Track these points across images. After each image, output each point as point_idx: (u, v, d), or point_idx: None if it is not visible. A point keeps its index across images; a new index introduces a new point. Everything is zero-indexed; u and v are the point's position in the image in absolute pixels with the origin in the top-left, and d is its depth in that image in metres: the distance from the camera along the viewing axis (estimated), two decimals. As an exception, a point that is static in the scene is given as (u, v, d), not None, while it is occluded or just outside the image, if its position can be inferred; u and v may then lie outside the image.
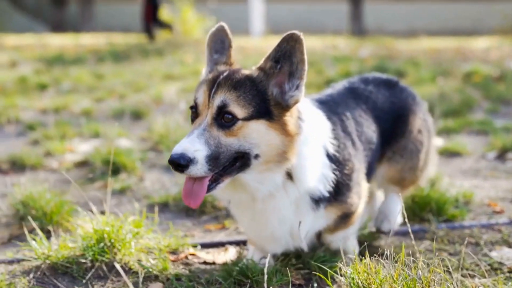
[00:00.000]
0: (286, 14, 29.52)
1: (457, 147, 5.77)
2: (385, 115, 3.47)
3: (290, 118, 2.68)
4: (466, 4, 28.97)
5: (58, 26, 30.11)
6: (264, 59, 2.69)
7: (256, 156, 2.62)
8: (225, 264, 3.14)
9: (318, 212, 2.90)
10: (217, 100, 2.60)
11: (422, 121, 3.64)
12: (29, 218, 3.45)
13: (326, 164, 2.87)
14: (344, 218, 3.05)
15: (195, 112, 2.69)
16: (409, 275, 2.36)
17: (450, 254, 3.25)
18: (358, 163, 3.08)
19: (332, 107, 3.17)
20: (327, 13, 29.62)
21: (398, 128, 3.50)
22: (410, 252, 2.68)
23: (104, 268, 3.02)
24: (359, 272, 2.47)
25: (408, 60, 12.64)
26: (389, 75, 10.03)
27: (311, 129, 2.82)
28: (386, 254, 2.54)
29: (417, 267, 2.43)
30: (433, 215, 3.73)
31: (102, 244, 3.03)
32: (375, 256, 2.53)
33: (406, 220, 2.83)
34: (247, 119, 2.59)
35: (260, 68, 2.70)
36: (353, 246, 3.23)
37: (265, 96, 2.65)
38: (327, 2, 30.05)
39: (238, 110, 2.58)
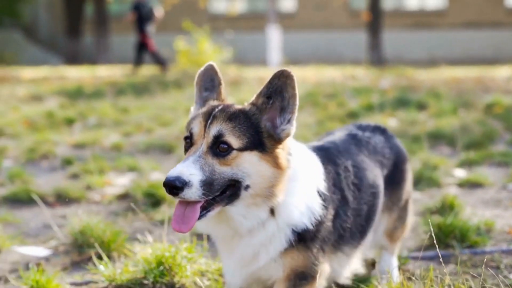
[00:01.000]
0: (303, 44, 30.24)
1: (478, 178, 6.25)
2: (386, 160, 3.64)
3: (282, 151, 2.85)
4: (487, 32, 29.50)
5: (73, 58, 31.05)
6: (256, 95, 2.89)
7: (247, 187, 2.77)
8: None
9: (286, 252, 2.92)
10: (213, 130, 2.77)
11: (411, 171, 3.86)
12: (93, 244, 3.99)
13: (315, 199, 2.98)
14: (298, 280, 2.98)
15: (189, 142, 2.86)
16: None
17: (473, 276, 3.72)
18: (340, 220, 3.14)
19: (329, 154, 3.29)
20: (344, 42, 30.29)
21: (396, 175, 3.68)
22: (438, 274, 3.16)
23: (164, 288, 3.55)
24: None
25: (429, 91, 13.18)
26: (411, 107, 10.54)
27: (302, 167, 2.97)
28: (416, 275, 3.04)
29: (443, 285, 2.92)
30: (457, 242, 4.22)
31: (161, 268, 3.56)
32: (407, 276, 3.03)
33: (436, 243, 3.32)
34: (242, 149, 2.76)
35: (253, 104, 2.89)
36: None
37: (258, 129, 2.83)
38: (344, 31, 30.74)
39: (234, 140, 2.75)
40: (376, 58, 24.74)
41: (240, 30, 31.44)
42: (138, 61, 22.64)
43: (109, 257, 4.03)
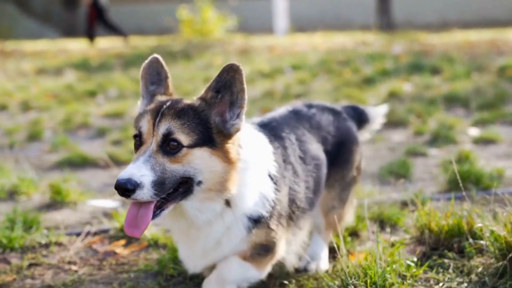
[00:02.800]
0: (310, 9, 30.80)
1: (491, 135, 7.25)
2: (330, 138, 3.82)
3: (232, 146, 3.01)
4: (500, -8, 29.94)
5: (70, 31, 31.70)
6: (205, 90, 3.01)
7: (199, 183, 2.93)
8: None
9: (248, 235, 3.17)
10: (162, 128, 2.89)
11: (360, 156, 4.01)
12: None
13: (267, 184, 3.20)
14: (262, 252, 3.27)
15: (139, 140, 2.98)
16: (458, 214, 3.86)
17: (486, 211, 4.74)
18: (294, 194, 3.38)
19: (274, 130, 3.51)
20: (353, 6, 30.80)
21: (341, 155, 3.86)
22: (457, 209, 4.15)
23: None
24: (422, 216, 3.96)
25: (442, 56, 14.10)
26: (425, 72, 11.50)
27: (252, 155, 3.14)
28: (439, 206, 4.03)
29: (463, 210, 3.92)
30: (473, 185, 5.21)
31: None
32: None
33: (462, 185, 4.29)
34: (192, 146, 2.89)
35: (202, 98, 3.02)
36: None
37: (207, 125, 2.96)
38: (352, -6, 31.21)
39: (183, 138, 2.88)
40: (386, 22, 25.08)
41: (243, -4, 31.99)
42: (117, 31, 23.75)
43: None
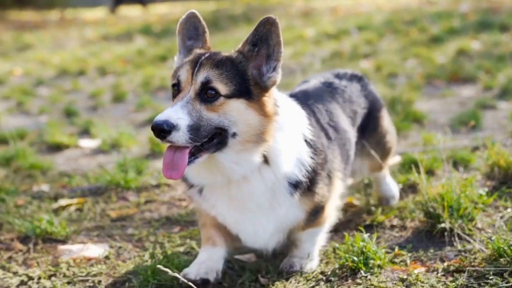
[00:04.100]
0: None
1: None
2: (360, 109, 4.13)
3: (268, 99, 3.12)
4: None
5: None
6: (242, 43, 3.14)
7: (234, 135, 3.04)
8: None
9: (293, 200, 3.31)
10: (201, 77, 3.01)
11: (388, 118, 4.44)
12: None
13: (303, 149, 3.31)
14: (315, 214, 3.48)
15: (177, 89, 3.11)
16: None
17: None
18: (331, 155, 3.55)
19: (303, 99, 3.66)
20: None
21: (372, 123, 4.22)
22: None
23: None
24: (492, 155, 4.66)
25: (510, 13, 14.41)
26: (493, 29, 11.96)
27: (288, 115, 3.26)
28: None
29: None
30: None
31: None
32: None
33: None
34: (229, 96, 3.01)
35: (239, 51, 3.14)
36: (316, 256, 3.66)
37: (245, 76, 3.08)
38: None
39: (221, 87, 3.00)
40: (452, -21, 25.21)
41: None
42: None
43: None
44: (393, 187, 4.56)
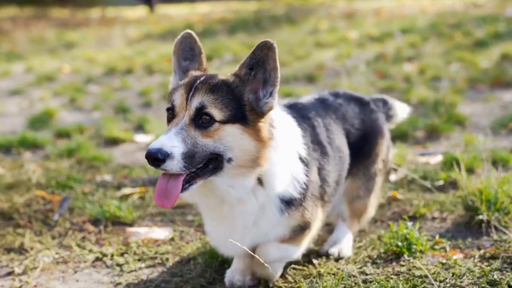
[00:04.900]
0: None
1: None
2: (354, 130, 4.04)
3: (264, 125, 3.13)
4: None
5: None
6: (239, 66, 3.15)
7: (229, 160, 3.07)
8: None
9: (281, 219, 3.37)
10: (195, 102, 3.01)
11: (387, 149, 4.26)
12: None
13: (298, 167, 3.36)
14: (299, 231, 3.49)
15: (171, 113, 3.11)
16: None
17: None
18: (324, 174, 3.60)
19: (302, 112, 3.68)
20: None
21: (365, 147, 4.10)
22: None
23: None
24: None
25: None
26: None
27: (283, 136, 3.28)
28: None
29: None
30: None
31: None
32: None
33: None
34: (224, 122, 3.02)
35: (236, 75, 3.14)
36: (279, 270, 3.68)
37: (241, 102, 3.09)
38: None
39: (216, 112, 3.00)
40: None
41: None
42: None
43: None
44: (345, 237, 4.17)
